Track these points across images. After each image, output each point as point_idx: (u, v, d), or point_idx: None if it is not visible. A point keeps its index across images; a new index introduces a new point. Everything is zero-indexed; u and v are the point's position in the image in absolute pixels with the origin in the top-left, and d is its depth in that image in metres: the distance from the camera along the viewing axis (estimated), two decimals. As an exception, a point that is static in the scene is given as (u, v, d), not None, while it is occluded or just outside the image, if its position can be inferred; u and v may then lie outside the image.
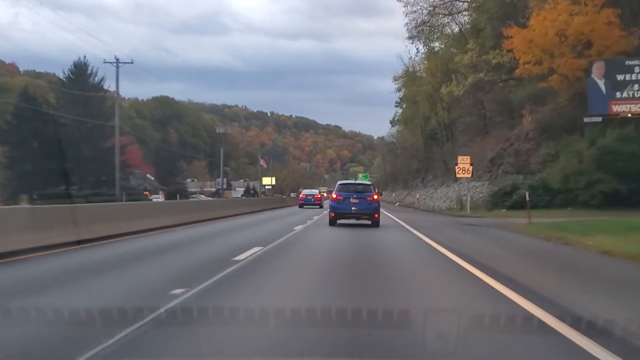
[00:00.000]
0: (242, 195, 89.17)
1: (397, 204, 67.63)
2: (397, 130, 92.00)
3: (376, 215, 21.69)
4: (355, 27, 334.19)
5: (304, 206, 47.71)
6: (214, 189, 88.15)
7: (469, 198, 36.53)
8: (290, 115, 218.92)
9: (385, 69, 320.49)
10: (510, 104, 44.10)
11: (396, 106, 74.79)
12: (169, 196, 68.26)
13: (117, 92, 49.15)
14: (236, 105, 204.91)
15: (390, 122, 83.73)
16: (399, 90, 72.06)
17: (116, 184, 46.28)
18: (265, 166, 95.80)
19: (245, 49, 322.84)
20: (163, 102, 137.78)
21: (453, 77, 46.05)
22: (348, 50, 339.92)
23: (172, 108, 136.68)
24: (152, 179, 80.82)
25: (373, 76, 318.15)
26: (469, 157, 38.62)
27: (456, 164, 38.48)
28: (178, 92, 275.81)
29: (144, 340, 5.43)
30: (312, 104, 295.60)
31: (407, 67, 66.93)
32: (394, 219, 29.78)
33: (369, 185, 24.86)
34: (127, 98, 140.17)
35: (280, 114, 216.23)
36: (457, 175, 38.81)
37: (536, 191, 33.82)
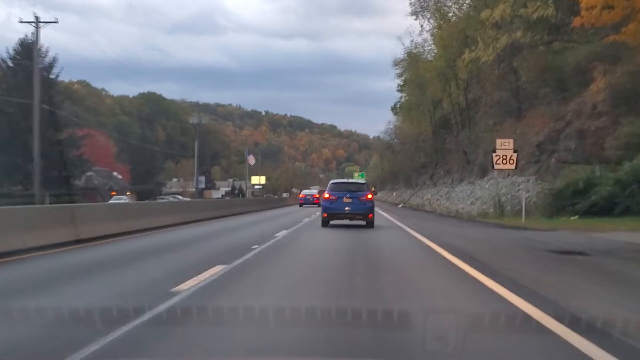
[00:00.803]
0: (222, 196, 76.68)
1: (401, 205, 54.80)
2: (395, 125, 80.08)
3: (370, 216, 20.36)
4: (350, 27, 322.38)
5: (304, 205, 49.60)
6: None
7: (523, 200, 23.51)
8: (285, 115, 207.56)
9: (380, 68, 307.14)
10: (559, 72, 31.08)
11: (398, 90, 62.39)
12: (140, 197, 58.55)
13: (35, 61, 35.96)
14: (230, 105, 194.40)
15: (392, 109, 71.30)
16: (400, 75, 60.64)
17: (35, 180, 33.17)
18: (253, 163, 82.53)
19: (239, 49, 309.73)
20: (150, 99, 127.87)
21: (479, 39, 33.05)
22: (343, 49, 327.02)
23: (159, 105, 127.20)
24: (120, 177, 67.73)
25: (368, 75, 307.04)
26: (512, 141, 25.90)
27: (493, 151, 25.71)
28: (172, 91, 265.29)
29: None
30: (307, 103, 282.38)
31: (409, 48, 54.55)
32: (411, 235, 17.18)
33: (363, 184, 23.00)
34: (114, 95, 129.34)
35: (274, 113, 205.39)
36: (495, 167, 26.02)
37: (627, 188, 21.24)
